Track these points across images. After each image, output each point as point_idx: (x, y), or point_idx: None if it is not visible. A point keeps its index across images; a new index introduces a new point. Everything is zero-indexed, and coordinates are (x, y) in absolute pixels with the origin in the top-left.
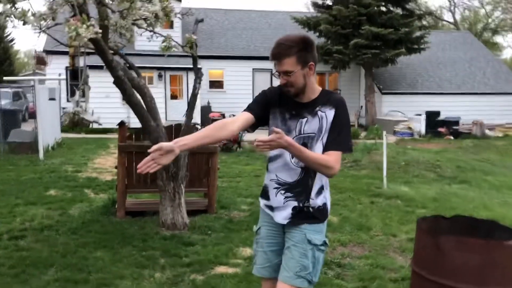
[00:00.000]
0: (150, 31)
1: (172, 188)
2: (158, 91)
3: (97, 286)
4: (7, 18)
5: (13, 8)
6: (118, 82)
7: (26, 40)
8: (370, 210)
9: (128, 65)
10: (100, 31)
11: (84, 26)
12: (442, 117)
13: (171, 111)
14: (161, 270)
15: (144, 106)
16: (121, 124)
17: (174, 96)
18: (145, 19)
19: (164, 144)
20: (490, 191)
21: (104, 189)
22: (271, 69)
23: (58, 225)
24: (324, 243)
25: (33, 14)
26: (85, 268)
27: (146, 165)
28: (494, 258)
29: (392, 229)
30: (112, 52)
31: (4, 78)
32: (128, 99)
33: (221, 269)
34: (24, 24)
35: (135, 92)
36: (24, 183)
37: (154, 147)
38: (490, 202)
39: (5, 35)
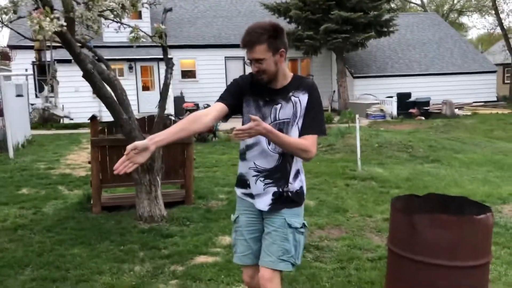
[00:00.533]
0: (117, 22)
1: (148, 181)
2: (129, 83)
3: (76, 283)
4: None
5: None
6: (87, 76)
7: None
8: (345, 192)
9: (97, 57)
10: (65, 24)
11: (48, 19)
12: (413, 98)
13: (143, 103)
14: (140, 263)
15: (115, 99)
16: (93, 118)
17: (146, 88)
18: (111, 10)
19: (139, 143)
20: (460, 169)
21: (78, 185)
22: (243, 57)
23: (32, 224)
24: (304, 225)
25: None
26: (62, 265)
27: (122, 165)
28: (465, 233)
29: (367, 210)
30: (80, 45)
31: None
32: (98, 92)
33: (201, 259)
34: None
35: (105, 85)
36: None
37: (129, 147)
38: (460, 179)
39: None
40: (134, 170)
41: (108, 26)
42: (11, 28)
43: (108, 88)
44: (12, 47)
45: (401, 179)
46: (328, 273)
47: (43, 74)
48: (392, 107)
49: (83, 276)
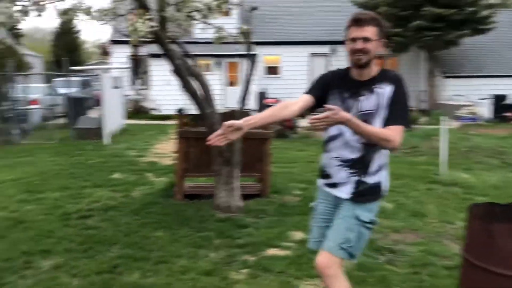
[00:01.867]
0: (204, 22)
1: (227, 173)
2: (216, 78)
3: (156, 263)
4: (74, 14)
5: (79, 4)
6: (176, 71)
7: (93, 31)
8: (426, 197)
9: (185, 53)
10: (156, 25)
11: (141, 21)
12: (509, 101)
13: (229, 98)
14: (215, 250)
15: (202, 93)
16: (180, 111)
17: (232, 83)
18: (199, 11)
19: (235, 122)
20: None
21: (164, 173)
22: (327, 54)
23: (121, 206)
24: (372, 222)
25: (96, 10)
26: (145, 246)
27: (216, 138)
28: None
29: (448, 216)
30: (171, 41)
31: (72, 68)
32: (185, 87)
33: (272, 251)
34: (89, 18)
35: (192, 79)
36: (91, 167)
37: (226, 123)
38: None
39: (71, 27)
40: (215, 162)
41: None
42: (111, 26)
43: (195, 83)
44: (114, 42)
45: (489, 187)
46: (400, 277)
47: (138, 68)
48: (485, 110)
49: (162, 258)
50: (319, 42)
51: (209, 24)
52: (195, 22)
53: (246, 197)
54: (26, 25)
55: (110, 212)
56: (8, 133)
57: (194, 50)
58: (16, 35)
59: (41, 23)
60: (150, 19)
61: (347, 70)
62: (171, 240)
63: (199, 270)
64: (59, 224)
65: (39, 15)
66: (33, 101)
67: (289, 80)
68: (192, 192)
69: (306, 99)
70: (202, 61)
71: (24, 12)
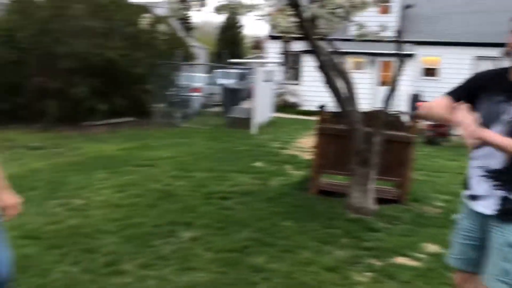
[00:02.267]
0: (346, 19)
1: (363, 174)
2: (367, 77)
3: (281, 251)
4: (228, 9)
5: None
6: (321, 68)
7: (254, 26)
8: None
9: (334, 50)
10: (296, 20)
11: (282, 17)
12: None
13: (379, 98)
14: (341, 248)
15: (345, 91)
16: (322, 107)
17: (384, 83)
18: (342, 8)
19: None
20: None
21: (302, 167)
22: (496, 57)
23: (258, 192)
24: None
25: (242, 6)
26: (274, 233)
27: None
28: None
29: None
30: (319, 37)
31: (229, 60)
32: (328, 83)
33: (401, 260)
34: (239, 12)
35: (337, 77)
36: (237, 153)
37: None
38: None
39: (235, 22)
40: (351, 161)
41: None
42: (265, 22)
43: (339, 80)
44: (271, 37)
45: None
46: None
47: (287, 63)
48: None
49: (288, 247)
50: (485, 44)
51: (351, 21)
52: (339, 19)
53: (381, 201)
54: (198, 18)
55: (247, 197)
56: (171, 116)
57: (347, 47)
58: (188, 27)
59: (211, 17)
60: (291, 15)
61: (505, 70)
62: (299, 232)
63: (322, 264)
64: (202, 201)
65: (200, 10)
66: (196, 89)
67: (449, 83)
68: (326, 188)
69: (446, 103)
70: (355, 59)
71: (188, 7)
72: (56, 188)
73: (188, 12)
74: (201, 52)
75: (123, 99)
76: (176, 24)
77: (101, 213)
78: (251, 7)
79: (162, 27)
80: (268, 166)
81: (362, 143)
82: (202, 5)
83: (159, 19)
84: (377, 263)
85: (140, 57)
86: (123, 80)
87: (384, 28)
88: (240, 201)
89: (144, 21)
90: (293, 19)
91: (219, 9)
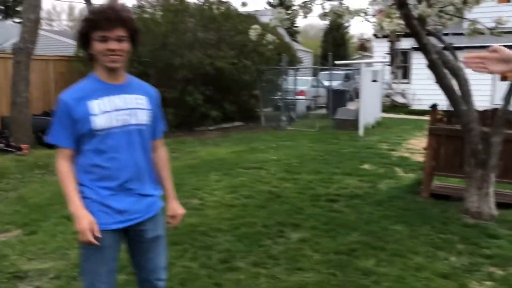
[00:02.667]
0: (458, 16)
1: (480, 176)
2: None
3: (391, 255)
4: (333, 15)
5: (340, 4)
6: (431, 66)
7: (360, 26)
8: None
9: (445, 46)
10: (403, 22)
11: (387, 20)
12: None
13: (500, 94)
14: (457, 255)
15: (458, 89)
16: (433, 107)
17: (504, 78)
18: (453, 5)
19: (506, 50)
20: None
21: (413, 169)
22: None
23: (366, 196)
24: None
25: (350, 12)
26: (383, 237)
27: (473, 60)
28: None
29: None
30: (429, 34)
31: (335, 62)
32: (440, 82)
33: None
34: (345, 18)
35: (449, 74)
36: (343, 155)
37: (493, 47)
38: None
39: (340, 23)
40: (467, 163)
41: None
42: (369, 22)
43: (451, 78)
44: (376, 36)
45: None
46: None
47: (395, 62)
48: None
49: (398, 251)
50: None
51: (463, 18)
52: (450, 16)
53: (503, 206)
54: (302, 22)
55: (355, 199)
56: (278, 120)
57: (462, 42)
58: (293, 32)
59: (315, 20)
60: (398, 17)
61: None
62: (410, 236)
63: (435, 270)
64: (309, 203)
65: (305, 17)
66: (300, 92)
67: None
68: (439, 192)
69: None
70: (471, 54)
71: (293, 16)
72: (176, 189)
73: (294, 21)
74: (305, 55)
75: (232, 104)
76: (280, 29)
77: (215, 213)
78: (355, 12)
79: (269, 37)
80: (377, 169)
81: (479, 144)
82: (307, 13)
83: (266, 28)
84: (499, 272)
85: (248, 64)
86: (232, 86)
87: (503, 21)
88: (347, 204)
89: (253, 32)
90: (399, 21)
91: (324, 16)
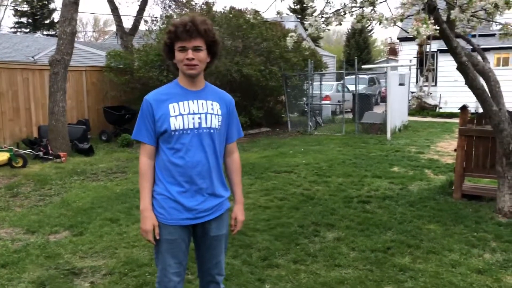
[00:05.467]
0: (489, 20)
1: None
2: None
3: (426, 253)
4: (368, 21)
5: (372, 12)
6: (461, 68)
7: (383, 29)
8: None
9: (474, 48)
10: (438, 28)
11: (424, 25)
12: None
13: None
14: (491, 252)
15: (487, 91)
16: (463, 108)
17: None
18: (485, 10)
19: None
20: None
21: (443, 171)
22: None
23: (397, 197)
24: None
25: (386, 19)
26: (418, 236)
27: None
28: None
29: None
30: (458, 36)
31: (362, 66)
32: (470, 84)
33: None
34: (380, 24)
35: (478, 76)
36: (372, 159)
37: None
38: None
39: (367, 26)
40: (498, 163)
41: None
42: (399, 27)
43: (481, 80)
44: (401, 39)
45: None
46: None
47: (423, 64)
48: None
49: (433, 249)
50: None
51: (494, 22)
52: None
53: None
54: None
55: (386, 201)
56: (304, 124)
57: (492, 43)
58: (316, 38)
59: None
60: (433, 23)
61: None
62: (444, 235)
63: (470, 266)
64: (342, 204)
65: (340, 24)
66: (326, 97)
67: None
68: (471, 192)
69: None
70: (499, 55)
71: (327, 23)
72: None
73: (328, 28)
74: (329, 60)
75: (259, 110)
76: (305, 35)
77: (251, 214)
78: (392, 19)
79: (305, 43)
80: (406, 171)
81: (511, 144)
82: (341, 20)
83: (294, 34)
84: None
85: (274, 70)
86: (259, 93)
87: (505, 26)
88: (380, 205)
89: (290, 40)
90: (435, 27)
91: (358, 22)
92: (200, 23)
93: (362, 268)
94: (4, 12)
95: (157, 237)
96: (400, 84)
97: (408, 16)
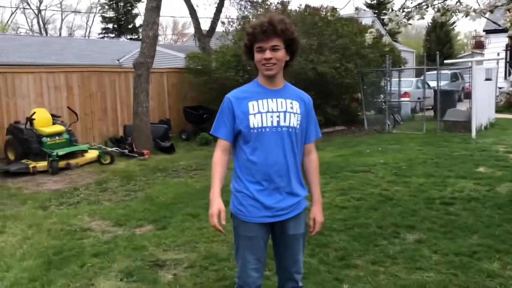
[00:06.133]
0: None
1: None
2: None
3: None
4: (453, 14)
5: (458, 4)
6: None
7: (466, 22)
8: None
9: None
10: None
11: None
12: None
13: None
14: None
15: None
16: None
17: None
18: None
19: None
20: None
21: None
22: None
23: (484, 199)
24: None
25: (474, 10)
26: (508, 241)
27: None
28: None
29: None
30: None
31: (445, 61)
32: None
33: None
34: (466, 17)
35: None
36: (455, 158)
37: None
38: None
39: (448, 19)
40: None
41: None
42: (486, 18)
43: None
44: (488, 31)
45: None
46: None
47: None
48: None
49: None
50: None
51: None
52: None
53: None
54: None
55: (472, 203)
56: (381, 122)
57: None
58: (394, 33)
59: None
60: None
61: None
62: None
63: None
64: (423, 206)
65: (422, 18)
66: (405, 94)
67: None
68: None
69: None
70: None
71: (409, 17)
72: None
73: (410, 23)
74: (408, 56)
75: (334, 109)
76: (383, 30)
77: (327, 213)
78: (481, 11)
79: (385, 39)
80: (494, 171)
81: None
82: (423, 14)
83: (374, 30)
84: None
85: (350, 67)
86: (334, 90)
87: None
88: (465, 207)
89: (369, 36)
90: None
91: (442, 15)
92: (278, 23)
93: (445, 272)
94: (93, 19)
95: (223, 222)
96: (487, 79)
97: (497, 7)
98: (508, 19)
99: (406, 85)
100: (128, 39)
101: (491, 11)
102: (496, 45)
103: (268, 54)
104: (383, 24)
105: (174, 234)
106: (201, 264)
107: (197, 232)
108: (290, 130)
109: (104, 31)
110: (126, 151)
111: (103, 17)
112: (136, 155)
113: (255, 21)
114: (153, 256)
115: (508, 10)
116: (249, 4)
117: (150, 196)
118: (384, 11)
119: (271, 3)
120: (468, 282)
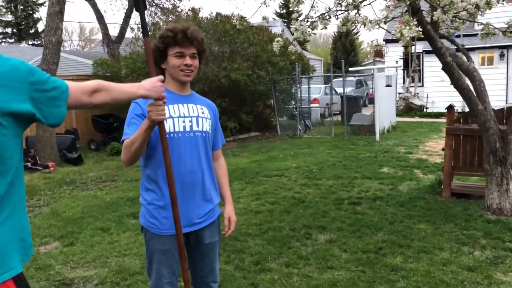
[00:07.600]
0: (471, 21)
1: (500, 173)
2: (498, 72)
3: (417, 252)
4: (353, 24)
5: (357, 15)
6: (446, 68)
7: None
8: None
9: (458, 48)
10: (421, 29)
11: (407, 27)
12: None
13: None
14: (481, 249)
15: (473, 90)
16: (450, 108)
17: None
18: (467, 11)
19: None
20: None
21: (432, 171)
22: None
23: (388, 197)
24: None
25: (370, 21)
26: (408, 236)
27: None
28: None
29: None
30: (442, 37)
31: (349, 69)
32: (455, 83)
33: None
34: (364, 27)
35: (463, 76)
36: (362, 160)
37: None
38: None
39: (352, 29)
40: (485, 161)
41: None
42: (384, 29)
43: (466, 79)
44: (387, 41)
45: None
46: None
47: (408, 66)
48: None
49: (424, 248)
50: None
51: (476, 22)
52: (463, 20)
53: None
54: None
55: (377, 201)
56: (293, 128)
57: (475, 42)
58: (302, 41)
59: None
60: (416, 25)
61: None
62: (434, 234)
63: (461, 264)
64: (333, 206)
65: (325, 28)
66: (314, 100)
67: None
68: (460, 191)
69: None
70: (483, 54)
71: (313, 27)
72: None
73: (314, 32)
74: (316, 63)
75: (248, 115)
76: (291, 39)
77: (243, 219)
78: (375, 22)
79: (291, 47)
80: (396, 171)
81: (497, 142)
82: (326, 24)
83: (280, 39)
84: None
85: (262, 75)
86: (248, 97)
87: (486, 26)
88: (370, 206)
89: (276, 44)
90: (418, 28)
91: (342, 26)
92: (198, 32)
93: (354, 270)
94: None
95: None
96: (387, 86)
97: (393, 18)
98: (398, 30)
99: (315, 91)
100: (29, 44)
101: (385, 22)
102: (394, 53)
103: (189, 60)
104: (292, 33)
105: (83, 250)
106: (113, 280)
107: (107, 246)
108: (204, 135)
109: (1, 36)
110: (28, 164)
111: (0, 21)
112: (40, 168)
113: (175, 25)
114: (59, 275)
115: (399, 21)
116: (160, 10)
117: (56, 211)
118: (293, 21)
119: (182, 10)
120: (374, 277)
